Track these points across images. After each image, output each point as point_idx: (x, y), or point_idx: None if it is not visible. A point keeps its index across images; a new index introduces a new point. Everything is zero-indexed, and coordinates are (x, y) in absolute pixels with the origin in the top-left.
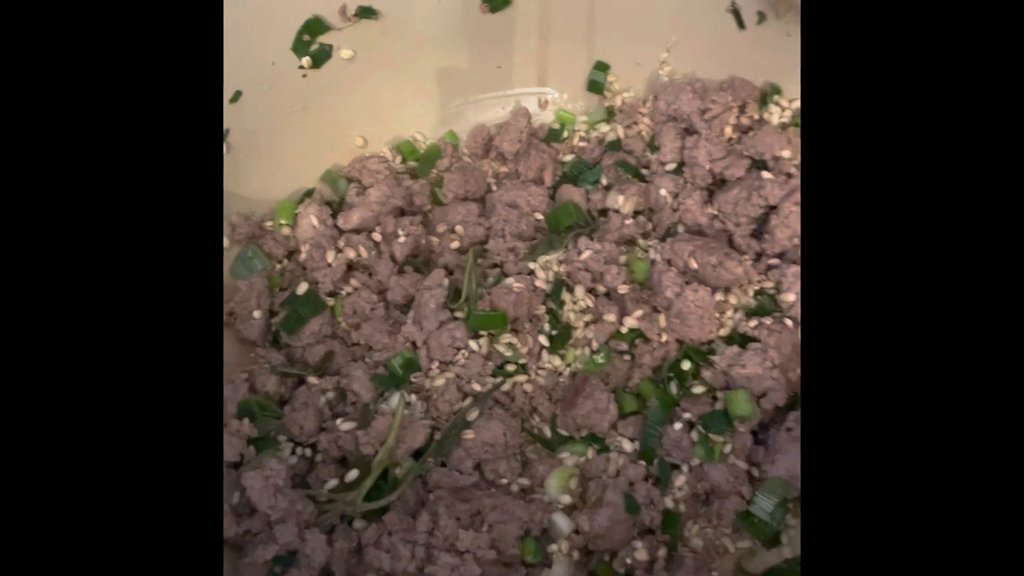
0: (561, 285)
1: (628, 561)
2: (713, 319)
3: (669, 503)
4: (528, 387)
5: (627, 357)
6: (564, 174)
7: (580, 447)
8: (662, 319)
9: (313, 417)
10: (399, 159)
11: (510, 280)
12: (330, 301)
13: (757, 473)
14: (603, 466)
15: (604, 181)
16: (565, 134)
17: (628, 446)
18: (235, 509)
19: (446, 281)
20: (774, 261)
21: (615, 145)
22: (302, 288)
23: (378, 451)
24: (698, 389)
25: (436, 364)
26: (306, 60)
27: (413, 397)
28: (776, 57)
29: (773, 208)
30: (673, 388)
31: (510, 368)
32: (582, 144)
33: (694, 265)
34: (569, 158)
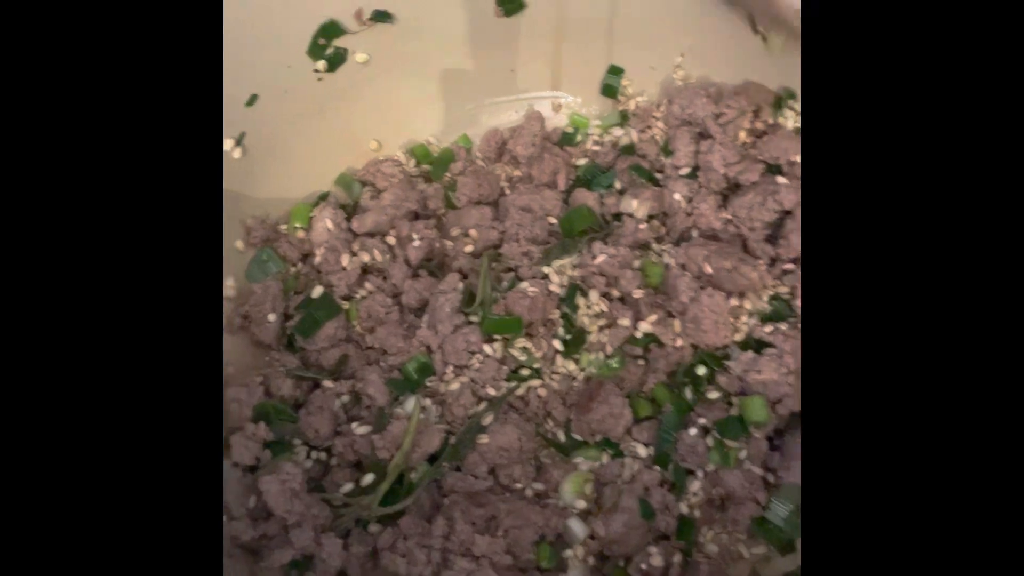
0: (575, 289)
1: (643, 567)
2: (728, 324)
3: (684, 509)
4: (542, 391)
5: (641, 362)
6: (578, 178)
7: (594, 452)
8: (677, 324)
9: (328, 421)
10: (413, 163)
11: (525, 284)
12: (345, 305)
13: (772, 479)
14: (618, 471)
15: (618, 185)
16: (579, 138)
17: (643, 451)
18: (251, 513)
19: (460, 285)
20: (789, 266)
21: (629, 149)
22: (317, 292)
23: (394, 455)
24: (713, 394)
25: (451, 368)
26: (321, 64)
27: (428, 401)
28: (790, 61)
29: (788, 213)
30: (688, 393)
31: (524, 372)
32: (596, 148)
33: (709, 270)
34: (583, 162)
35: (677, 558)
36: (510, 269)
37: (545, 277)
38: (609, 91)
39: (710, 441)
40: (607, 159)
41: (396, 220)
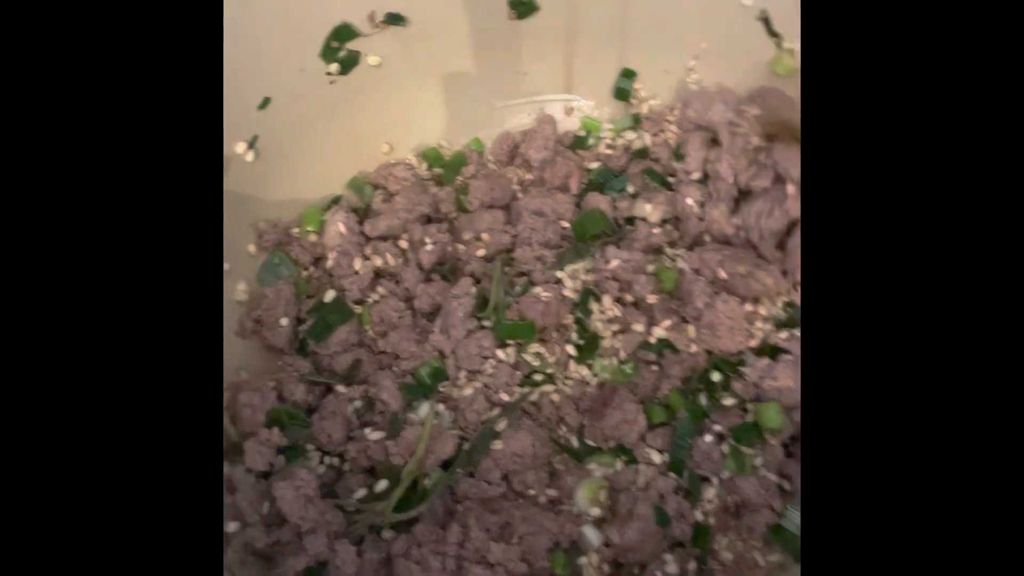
0: (589, 294)
1: (658, 574)
2: (743, 330)
3: (699, 516)
4: (555, 397)
5: (655, 367)
6: (590, 182)
7: (608, 458)
8: (691, 329)
9: (341, 426)
10: (424, 166)
11: (538, 289)
12: (357, 309)
13: (788, 486)
14: (632, 478)
15: (630, 189)
16: (591, 141)
17: (657, 458)
18: (265, 519)
19: (473, 290)
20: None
21: (641, 153)
22: (329, 296)
23: (408, 462)
24: (728, 401)
25: (464, 373)
26: (334, 66)
27: (441, 407)
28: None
29: (796, 222)
30: (703, 399)
31: (537, 378)
32: (608, 151)
33: (723, 275)
34: (595, 165)
35: (692, 566)
36: (523, 273)
37: (558, 282)
38: (622, 94)
39: (725, 448)
40: (619, 163)
41: (408, 224)
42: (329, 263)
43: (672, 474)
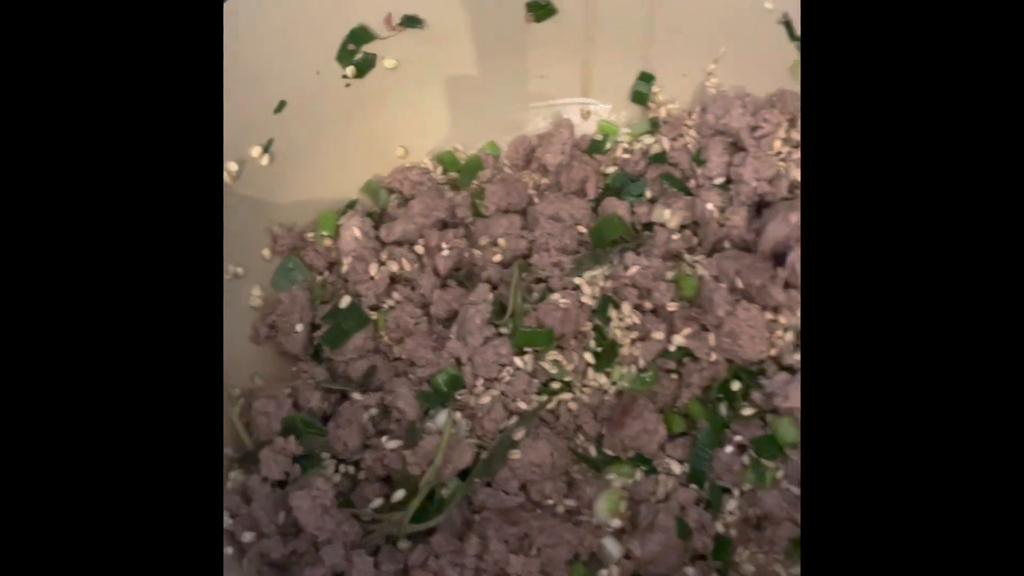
0: (608, 301)
1: None
2: (765, 339)
3: (720, 528)
4: (573, 405)
5: (674, 376)
6: (607, 186)
7: (627, 468)
8: (712, 338)
9: (357, 434)
10: (440, 170)
11: (556, 296)
12: (373, 315)
13: None
14: (652, 489)
15: (648, 194)
16: (608, 145)
17: (677, 468)
18: (281, 529)
19: (491, 296)
20: None
21: (659, 157)
22: (345, 301)
23: (425, 471)
24: (747, 411)
25: (481, 381)
26: (350, 70)
27: (458, 415)
28: None
29: None
30: (723, 409)
31: (555, 386)
32: (625, 156)
33: (740, 284)
34: (612, 170)
35: None
36: (540, 280)
37: (576, 288)
38: (639, 98)
39: (746, 459)
40: (637, 167)
41: (425, 229)
42: (344, 268)
43: (693, 485)
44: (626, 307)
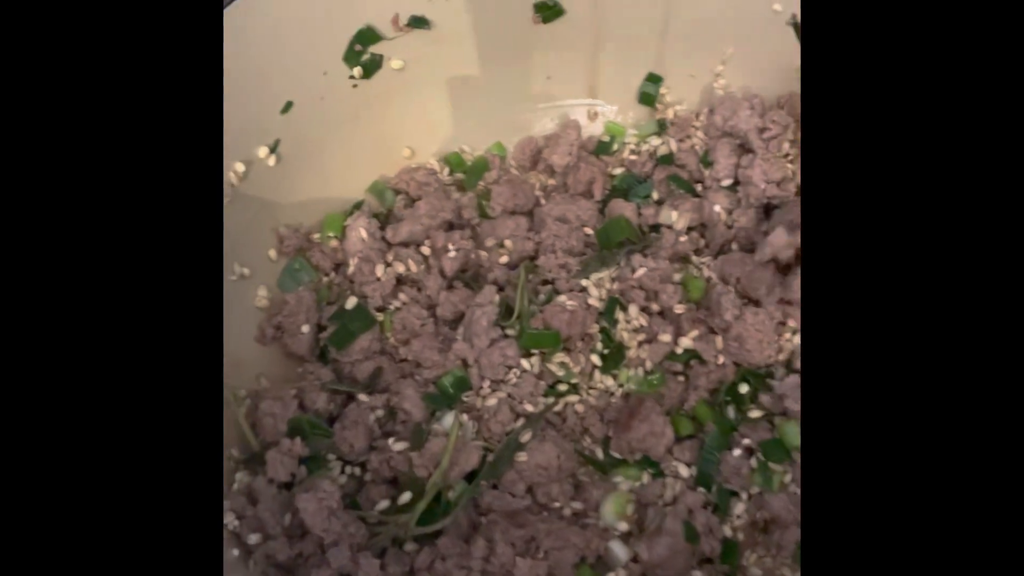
0: (615, 303)
1: None
2: (773, 342)
3: (727, 531)
4: (579, 407)
5: (681, 378)
6: (614, 188)
7: (634, 471)
8: (719, 340)
9: (363, 436)
10: (446, 171)
11: (563, 298)
12: (379, 316)
13: None
14: (659, 492)
15: (655, 196)
16: (615, 147)
17: (685, 471)
18: (287, 531)
19: (497, 298)
20: None
21: (667, 159)
22: (351, 303)
23: (432, 473)
24: (755, 413)
25: (487, 383)
26: (357, 70)
27: (464, 417)
28: None
29: None
30: (731, 412)
31: (562, 388)
32: (632, 157)
33: (740, 291)
34: (619, 171)
35: None
36: (547, 282)
37: (583, 290)
38: (647, 99)
39: (754, 462)
40: (644, 169)
41: (431, 230)
42: (350, 269)
43: (700, 488)
44: (633, 309)
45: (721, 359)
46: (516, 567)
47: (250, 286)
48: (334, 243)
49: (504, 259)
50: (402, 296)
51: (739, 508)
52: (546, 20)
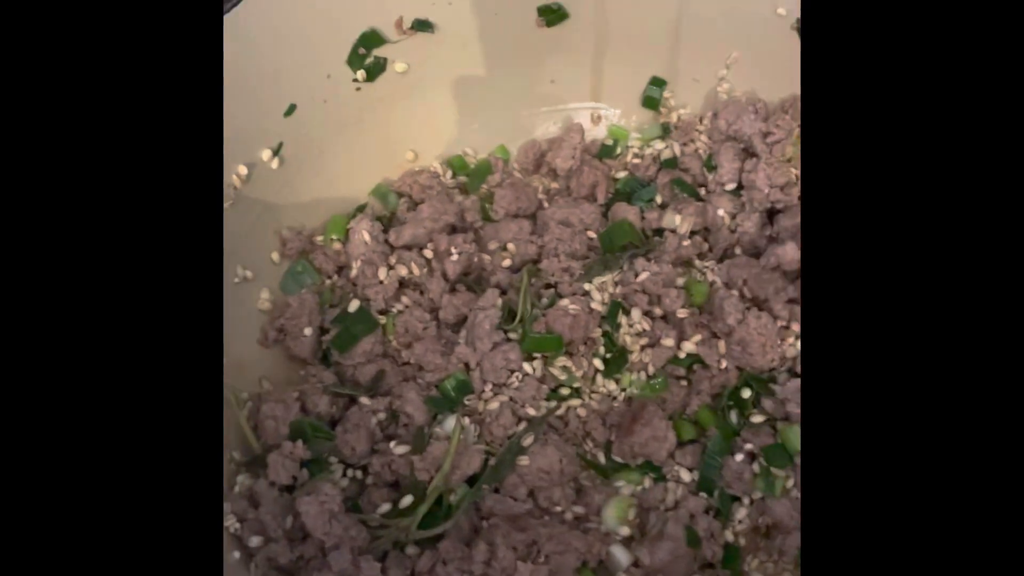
0: (617, 307)
1: None
2: (776, 347)
3: (729, 536)
4: (582, 411)
5: (684, 383)
6: (617, 191)
7: (636, 475)
8: (722, 345)
9: (365, 439)
10: (450, 174)
11: (566, 302)
12: (382, 319)
13: None
14: (661, 496)
15: (659, 199)
16: (618, 150)
17: (687, 476)
18: (288, 534)
19: (499, 301)
20: None
21: (670, 163)
22: (354, 306)
23: (433, 477)
24: (757, 418)
25: (489, 386)
26: (361, 73)
27: (466, 420)
28: None
29: None
30: (733, 417)
31: (564, 392)
32: (636, 161)
33: (748, 294)
34: (622, 175)
35: None
36: (550, 285)
37: (586, 294)
38: (650, 103)
39: (756, 468)
40: (647, 172)
41: (434, 233)
42: (353, 272)
43: (702, 493)
44: (636, 313)
45: (724, 363)
46: (517, 571)
47: (253, 289)
48: (337, 246)
49: (507, 262)
50: (404, 299)
51: (741, 513)
52: (550, 24)
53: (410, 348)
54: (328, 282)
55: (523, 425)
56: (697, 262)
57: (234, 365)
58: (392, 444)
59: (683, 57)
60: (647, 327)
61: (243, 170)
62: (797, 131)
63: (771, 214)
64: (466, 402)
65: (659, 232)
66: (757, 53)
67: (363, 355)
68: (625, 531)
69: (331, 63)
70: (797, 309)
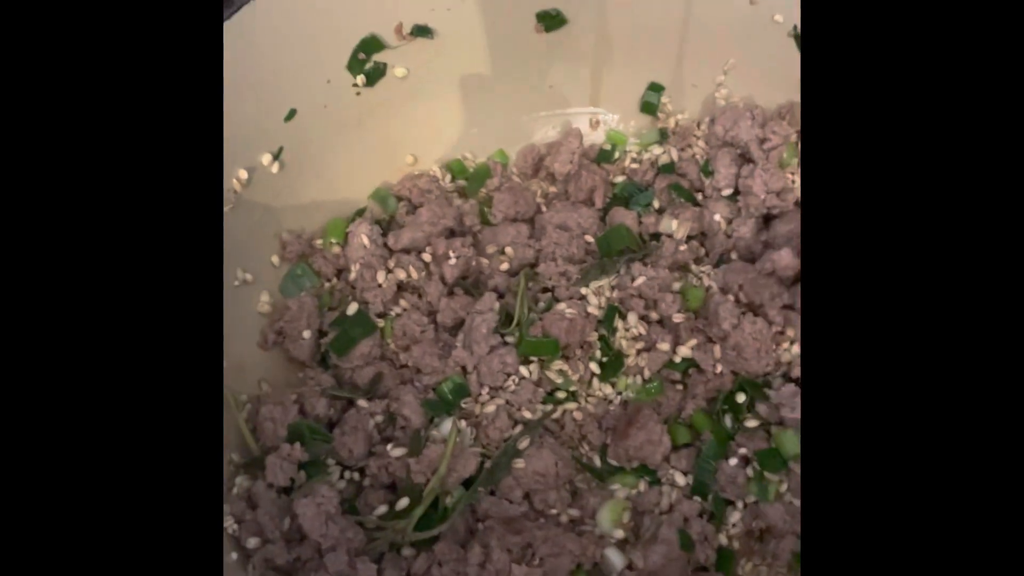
0: (614, 311)
1: None
2: (771, 352)
3: (723, 540)
4: (578, 415)
5: (679, 387)
6: (615, 196)
7: (631, 479)
8: (717, 349)
9: (362, 441)
10: (448, 178)
11: (562, 306)
12: (380, 322)
13: None
14: (656, 500)
15: (656, 204)
16: (616, 155)
17: (681, 480)
18: (286, 535)
19: (497, 305)
20: None
21: (668, 168)
22: (352, 309)
23: (430, 479)
24: (751, 423)
25: (486, 390)
26: (360, 78)
27: (463, 423)
28: None
29: None
30: (728, 421)
31: (560, 395)
32: (634, 166)
33: (743, 299)
34: (620, 180)
35: None
36: (547, 289)
37: (583, 298)
38: (649, 108)
39: (750, 472)
40: (645, 177)
41: (432, 237)
42: (352, 275)
43: (696, 497)
44: (632, 317)
45: (719, 368)
46: (512, 573)
47: (253, 291)
48: (336, 249)
49: (505, 266)
50: (403, 302)
51: (735, 517)
52: (548, 29)
53: (408, 351)
54: (327, 285)
55: (519, 428)
56: (693, 267)
57: (234, 367)
58: (389, 446)
59: (681, 63)
60: (643, 331)
61: (243, 174)
62: (794, 137)
63: (767, 220)
64: (463, 405)
65: (656, 237)
66: (754, 59)
67: (361, 358)
68: (619, 534)
69: (331, 68)
70: (791, 314)
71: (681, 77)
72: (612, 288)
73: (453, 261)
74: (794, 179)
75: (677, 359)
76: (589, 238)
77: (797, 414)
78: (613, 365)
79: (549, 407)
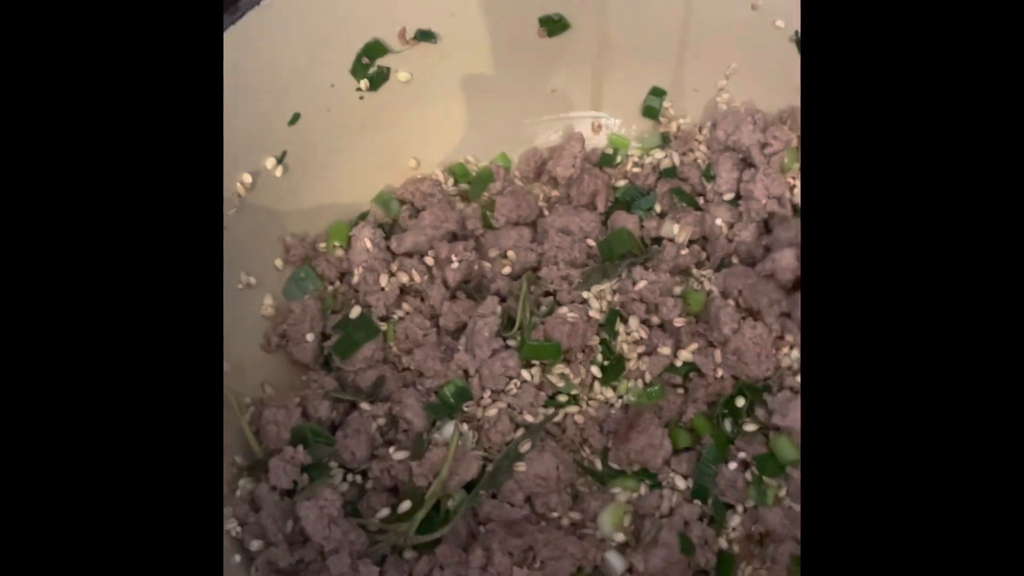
0: (615, 315)
1: None
2: (771, 356)
3: (723, 543)
4: (579, 418)
5: (680, 391)
6: (616, 200)
7: (632, 482)
8: (718, 354)
9: (365, 444)
10: (451, 181)
11: (564, 310)
12: (383, 326)
13: None
14: (656, 503)
15: (658, 208)
16: (618, 159)
17: (681, 483)
18: (288, 538)
19: (499, 309)
20: None
21: (670, 172)
22: (355, 312)
23: (431, 482)
24: (750, 427)
25: (488, 393)
26: (364, 82)
27: (465, 427)
28: None
29: None
30: (728, 425)
31: (561, 399)
32: (635, 170)
33: (743, 304)
34: (622, 184)
35: None
36: (549, 293)
37: (584, 302)
38: (650, 112)
39: (749, 476)
40: (647, 181)
41: (435, 241)
42: (355, 279)
43: (697, 501)
44: (633, 321)
45: (719, 372)
46: None
47: (256, 295)
48: (339, 253)
49: (507, 270)
50: (405, 306)
51: (735, 521)
52: (551, 34)
53: (410, 354)
54: (330, 288)
55: (521, 432)
56: (695, 271)
57: (237, 370)
58: (391, 449)
59: (683, 68)
60: (644, 335)
61: (247, 178)
62: (795, 142)
63: (768, 224)
64: (465, 408)
65: (657, 241)
66: (756, 64)
67: (364, 361)
68: (620, 537)
69: (335, 73)
70: (788, 322)
71: (683, 81)
72: (614, 292)
73: (455, 265)
74: (794, 184)
75: (678, 363)
76: (591, 242)
77: (788, 422)
78: (614, 369)
79: (550, 411)
